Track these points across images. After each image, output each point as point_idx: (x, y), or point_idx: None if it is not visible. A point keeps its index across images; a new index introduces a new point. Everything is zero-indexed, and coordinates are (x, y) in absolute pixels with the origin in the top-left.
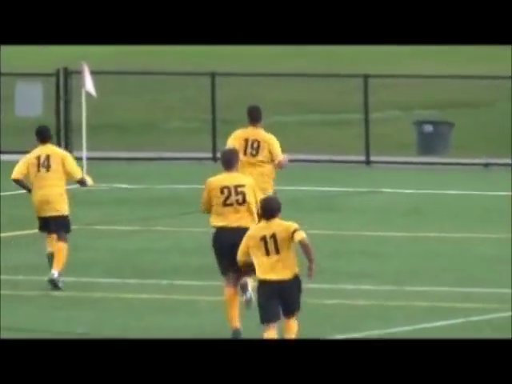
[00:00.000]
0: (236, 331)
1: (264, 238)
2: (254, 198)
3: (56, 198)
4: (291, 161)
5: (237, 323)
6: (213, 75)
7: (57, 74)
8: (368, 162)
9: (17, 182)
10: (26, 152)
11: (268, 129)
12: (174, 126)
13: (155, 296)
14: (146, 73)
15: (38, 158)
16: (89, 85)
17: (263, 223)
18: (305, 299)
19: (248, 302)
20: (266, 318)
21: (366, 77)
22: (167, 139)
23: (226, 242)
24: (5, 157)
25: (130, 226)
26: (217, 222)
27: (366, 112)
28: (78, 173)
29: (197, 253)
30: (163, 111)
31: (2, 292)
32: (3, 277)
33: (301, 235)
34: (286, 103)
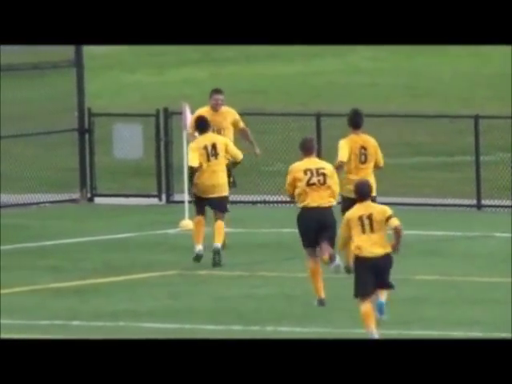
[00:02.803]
0: (321, 301)
1: (361, 218)
2: (334, 180)
3: (223, 181)
4: (399, 204)
5: (322, 293)
6: (318, 116)
7: (157, 115)
8: (479, 206)
9: (195, 169)
10: (122, 195)
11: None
12: (276, 169)
13: None
14: (248, 113)
15: (206, 147)
16: (190, 125)
17: (358, 205)
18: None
19: (337, 268)
20: (362, 292)
21: (476, 117)
22: (269, 182)
23: (310, 220)
24: (100, 200)
25: (233, 271)
26: (301, 201)
27: (477, 154)
28: (239, 155)
29: (301, 299)
30: (265, 153)
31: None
32: (102, 323)
33: (397, 221)
34: (395, 145)
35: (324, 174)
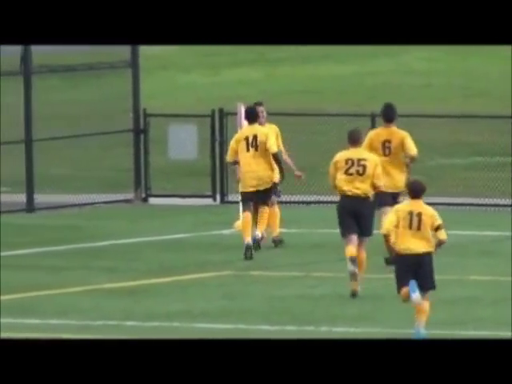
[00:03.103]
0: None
1: (411, 213)
2: (374, 171)
3: (265, 173)
4: (454, 204)
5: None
6: (373, 116)
7: (212, 116)
8: None
9: (233, 163)
10: (176, 196)
11: (431, 171)
12: None
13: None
14: (303, 114)
15: (247, 138)
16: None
17: (410, 201)
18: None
19: (352, 275)
20: (401, 285)
21: None
22: (323, 182)
23: (346, 208)
24: (154, 200)
25: (287, 271)
26: (340, 189)
27: None
28: (273, 148)
29: (355, 300)
30: (320, 154)
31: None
32: (156, 324)
33: (444, 235)
34: (449, 145)
35: (364, 166)
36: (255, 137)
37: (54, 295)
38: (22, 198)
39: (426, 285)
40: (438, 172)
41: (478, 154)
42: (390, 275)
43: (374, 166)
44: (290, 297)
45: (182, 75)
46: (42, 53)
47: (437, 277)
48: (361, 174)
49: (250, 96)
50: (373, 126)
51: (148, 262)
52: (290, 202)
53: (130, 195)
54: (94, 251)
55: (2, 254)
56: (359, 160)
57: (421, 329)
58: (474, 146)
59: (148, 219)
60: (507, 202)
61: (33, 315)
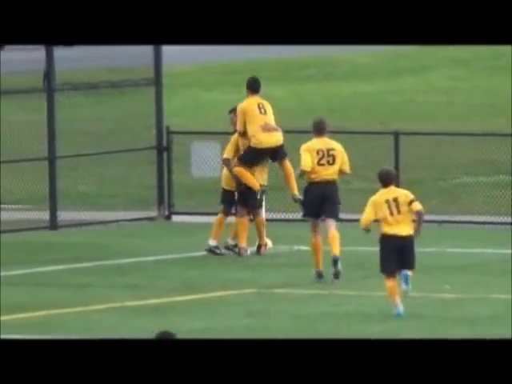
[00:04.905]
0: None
1: (388, 201)
2: (342, 159)
3: None
4: (478, 223)
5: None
6: (396, 134)
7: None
8: None
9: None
10: (199, 213)
11: (456, 189)
12: (355, 187)
13: None
14: (328, 131)
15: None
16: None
17: (383, 190)
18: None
19: (336, 275)
20: (387, 269)
21: None
22: (348, 199)
23: (316, 195)
24: (177, 217)
25: (311, 289)
26: (312, 179)
27: None
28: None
29: (378, 318)
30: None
31: None
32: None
33: (418, 206)
34: (473, 163)
35: (333, 156)
36: (328, 150)
37: (77, 313)
38: (45, 215)
39: (408, 265)
40: (463, 190)
41: (502, 172)
42: (415, 294)
43: (341, 154)
44: (313, 315)
45: (204, 93)
46: (65, 70)
47: (460, 295)
48: (331, 164)
49: (273, 114)
50: (396, 144)
51: (171, 279)
52: None
53: (154, 213)
54: (117, 269)
55: (25, 271)
56: (328, 150)
57: (401, 306)
58: (498, 165)
59: (171, 237)
60: None
61: (57, 332)
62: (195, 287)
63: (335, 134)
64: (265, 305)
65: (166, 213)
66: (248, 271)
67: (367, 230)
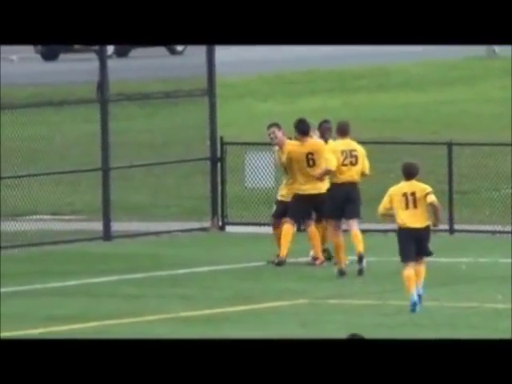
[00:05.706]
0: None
1: (405, 195)
2: (363, 161)
3: None
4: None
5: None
6: (450, 145)
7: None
8: None
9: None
10: (253, 224)
11: (508, 199)
12: None
13: None
14: (381, 142)
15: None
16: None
17: (404, 183)
18: None
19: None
20: (405, 257)
21: None
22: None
23: (340, 197)
24: (231, 228)
25: (364, 299)
26: (335, 180)
27: None
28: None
29: (431, 327)
30: (397, 181)
31: None
32: None
33: (432, 198)
34: None
35: (356, 156)
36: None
37: (130, 323)
38: (99, 226)
39: (424, 252)
40: (509, 201)
41: None
42: (465, 304)
43: (362, 155)
44: (367, 325)
45: (258, 103)
46: (119, 80)
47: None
48: (354, 165)
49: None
50: (449, 154)
51: (224, 290)
52: (367, 231)
53: (207, 223)
54: (170, 279)
55: (79, 282)
56: (351, 151)
57: (420, 289)
58: None
59: (224, 247)
60: None
61: None
62: (248, 298)
63: (389, 144)
64: (318, 315)
65: (220, 223)
66: (301, 282)
67: (385, 216)
